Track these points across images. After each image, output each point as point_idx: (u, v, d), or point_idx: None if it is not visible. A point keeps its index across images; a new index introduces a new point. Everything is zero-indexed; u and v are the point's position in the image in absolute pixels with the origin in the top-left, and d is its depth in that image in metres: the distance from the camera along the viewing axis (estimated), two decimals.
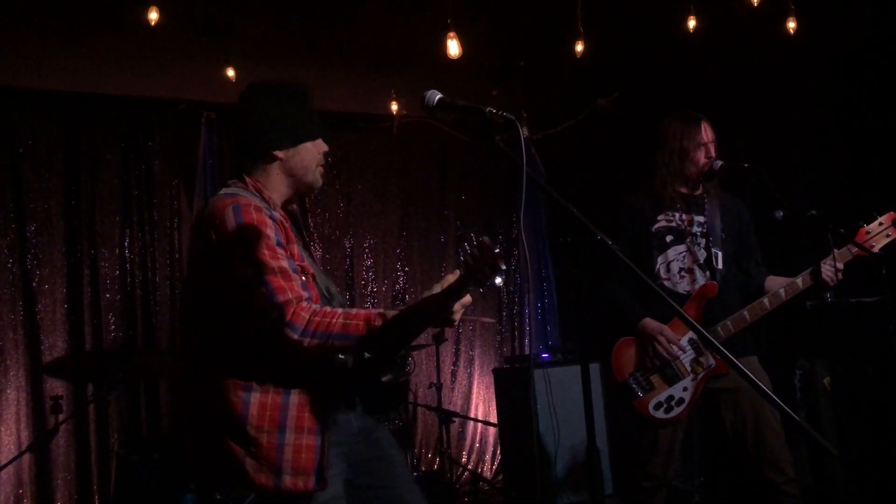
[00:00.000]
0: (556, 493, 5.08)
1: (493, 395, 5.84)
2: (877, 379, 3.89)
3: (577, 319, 1.87)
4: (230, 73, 4.88)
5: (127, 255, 5.14)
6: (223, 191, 2.10)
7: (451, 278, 1.99)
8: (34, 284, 4.86)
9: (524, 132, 6.04)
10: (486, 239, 1.81)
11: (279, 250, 1.96)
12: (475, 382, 6.27)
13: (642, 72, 5.38)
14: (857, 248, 2.93)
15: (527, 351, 6.32)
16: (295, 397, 1.98)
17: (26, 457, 4.59)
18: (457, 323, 2.06)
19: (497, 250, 1.78)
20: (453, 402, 6.10)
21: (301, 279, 1.97)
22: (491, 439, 6.17)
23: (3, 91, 4.82)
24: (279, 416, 1.95)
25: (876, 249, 2.95)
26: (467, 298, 1.98)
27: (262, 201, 2.07)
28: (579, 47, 4.51)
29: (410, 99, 5.47)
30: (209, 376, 1.98)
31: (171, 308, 5.16)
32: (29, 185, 4.92)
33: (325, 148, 2.21)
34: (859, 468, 3.85)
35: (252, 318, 1.94)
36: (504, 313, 6.50)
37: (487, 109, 1.74)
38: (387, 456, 2.21)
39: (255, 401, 1.94)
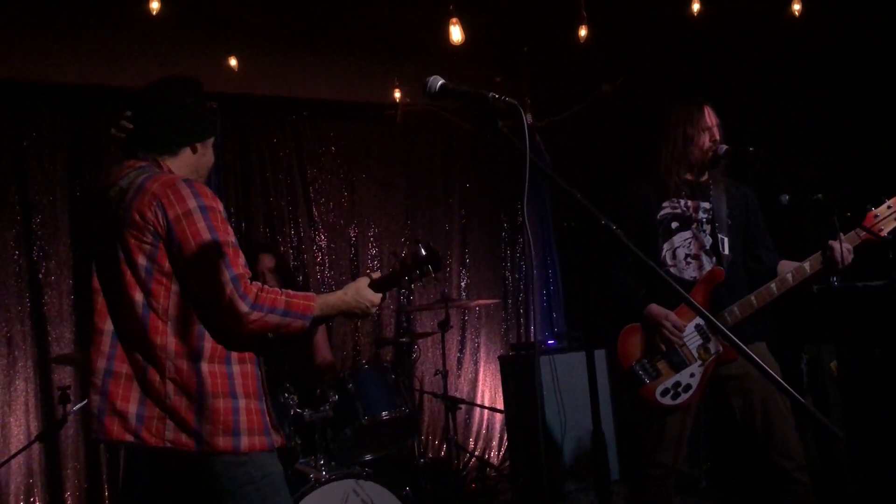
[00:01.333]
0: (562, 479, 5.10)
1: (500, 382, 5.85)
2: (884, 363, 3.88)
3: (582, 305, 1.87)
4: (233, 62, 4.87)
5: None
6: (149, 170, 2.13)
7: (373, 275, 2.27)
8: (40, 276, 4.88)
9: (528, 118, 6.02)
10: (432, 245, 2.21)
11: (228, 226, 2.07)
12: (481, 369, 6.28)
13: (646, 57, 5.35)
14: (864, 233, 2.91)
15: (532, 338, 6.32)
16: (236, 367, 2.07)
17: (36, 447, 4.62)
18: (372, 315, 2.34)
19: (440, 254, 2.17)
20: (459, 390, 6.11)
21: (242, 256, 2.08)
22: (497, 426, 6.18)
23: (7, 84, 4.82)
24: (228, 384, 2.04)
25: (884, 233, 2.92)
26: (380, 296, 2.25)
27: None
28: (583, 32, 4.48)
29: (413, 87, 5.45)
30: (159, 348, 2.01)
31: None
32: (34, 178, 4.92)
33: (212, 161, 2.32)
34: (866, 452, 3.85)
35: (207, 289, 2.01)
36: (509, 301, 6.50)
37: (490, 95, 1.73)
38: None
39: (206, 369, 2.02)
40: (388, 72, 5.52)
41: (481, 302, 5.50)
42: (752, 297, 2.94)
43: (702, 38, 4.86)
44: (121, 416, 2.01)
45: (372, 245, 6.02)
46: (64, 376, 4.81)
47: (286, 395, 3.57)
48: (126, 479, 3.97)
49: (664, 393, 2.96)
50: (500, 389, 5.84)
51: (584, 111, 5.90)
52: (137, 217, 2.01)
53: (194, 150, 2.23)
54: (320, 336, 4.30)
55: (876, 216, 2.95)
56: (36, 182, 4.92)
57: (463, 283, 6.33)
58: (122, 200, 2.06)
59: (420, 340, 4.90)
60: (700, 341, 2.98)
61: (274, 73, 5.44)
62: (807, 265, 2.93)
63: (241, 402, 2.05)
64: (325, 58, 5.51)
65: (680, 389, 2.96)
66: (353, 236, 5.97)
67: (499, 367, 5.85)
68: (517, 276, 6.57)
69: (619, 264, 3.10)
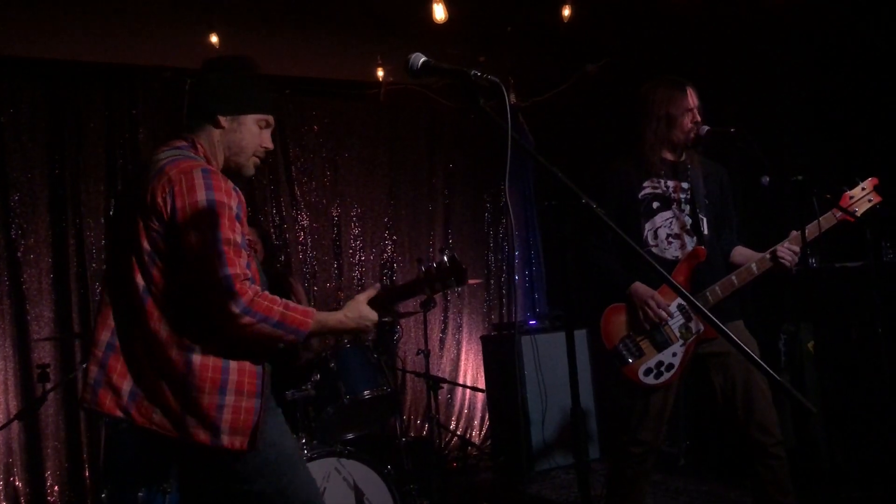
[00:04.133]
0: (542, 457, 5.15)
1: (482, 362, 5.88)
2: (860, 343, 3.93)
3: (563, 283, 1.88)
4: (214, 39, 4.81)
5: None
6: (178, 152, 2.09)
7: (371, 293, 2.21)
8: (19, 254, 4.84)
9: (511, 98, 6.02)
10: (456, 256, 2.10)
11: (237, 224, 2.00)
12: (463, 349, 6.30)
13: (630, 37, 5.35)
14: (841, 213, 2.94)
15: (514, 318, 6.35)
16: (233, 363, 2.03)
17: (16, 426, 4.61)
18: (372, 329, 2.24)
19: (465, 267, 2.03)
20: (441, 369, 6.14)
21: (246, 258, 2.02)
22: (479, 405, 6.22)
23: None
24: (220, 378, 2.00)
25: (858, 214, 2.96)
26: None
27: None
28: (566, 12, 4.47)
29: (397, 66, 5.42)
30: (152, 334, 1.99)
31: None
32: (11, 154, 4.87)
33: (268, 143, 2.25)
34: (841, 430, 3.91)
35: (200, 284, 1.97)
36: (492, 281, 6.52)
37: (472, 72, 1.71)
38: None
39: (197, 361, 1.99)
40: (371, 50, 5.48)
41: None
42: (734, 277, 2.97)
43: (686, 18, 4.85)
44: (115, 390, 2.00)
45: (354, 225, 6.01)
46: (43, 355, 4.78)
47: None
48: (107, 458, 3.96)
49: (647, 372, 2.98)
50: (482, 369, 5.87)
51: (567, 91, 5.89)
52: (149, 199, 1.98)
53: (216, 125, 2.17)
54: None
55: (851, 197, 2.98)
56: (14, 159, 4.87)
57: None
58: (143, 181, 2.03)
59: (403, 320, 4.91)
60: (682, 321, 3.00)
61: (256, 50, 5.34)
62: (754, 266, 2.97)
63: (230, 399, 2.00)
64: (308, 35, 5.46)
65: (662, 369, 2.98)
66: (336, 216, 5.95)
67: (481, 347, 5.88)
68: (500, 256, 6.59)
69: (597, 244, 3.11)
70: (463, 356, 6.30)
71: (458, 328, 6.32)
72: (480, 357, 5.94)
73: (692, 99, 3.06)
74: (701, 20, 4.91)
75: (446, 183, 6.42)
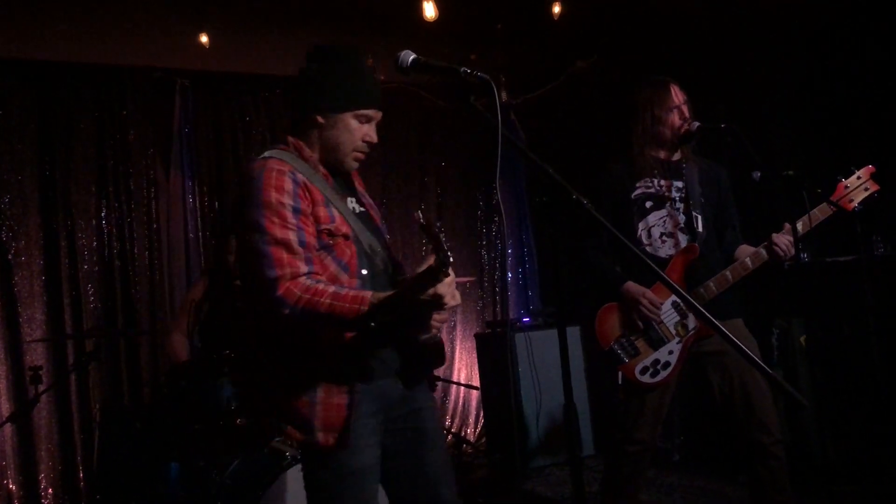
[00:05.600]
0: (537, 454, 5.15)
1: (476, 360, 5.88)
2: (852, 337, 3.94)
3: (554, 280, 1.87)
4: (204, 39, 4.81)
5: (104, 225, 5.09)
6: (266, 153, 2.09)
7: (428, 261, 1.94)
8: (10, 257, 4.81)
9: (503, 96, 6.01)
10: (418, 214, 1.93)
11: (291, 219, 1.95)
12: (458, 347, 6.30)
13: (621, 33, 5.35)
14: (832, 206, 2.93)
15: (507, 315, 6.35)
16: (323, 358, 2.01)
17: (8, 429, 4.58)
18: (454, 302, 2.04)
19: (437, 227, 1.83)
20: None
21: (305, 253, 1.95)
22: (474, 403, 6.22)
23: None
24: (309, 374, 2.01)
25: (854, 203, 2.93)
26: (451, 277, 1.95)
27: (299, 160, 2.07)
28: (556, 9, 4.47)
29: (388, 64, 5.40)
30: (250, 334, 2.07)
31: (149, 278, 5.14)
32: (2, 156, 4.84)
33: (371, 138, 2.15)
34: (833, 424, 3.92)
35: (255, 286, 1.97)
36: (485, 279, 6.52)
37: (462, 69, 1.72)
38: (423, 429, 2.18)
39: (286, 358, 2.02)
40: (362, 49, 5.47)
41: (457, 280, 5.48)
42: (728, 272, 2.96)
43: (675, 13, 4.86)
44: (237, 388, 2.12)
45: None
46: (35, 357, 4.76)
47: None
48: (100, 460, 3.95)
49: (643, 371, 2.97)
50: (476, 367, 5.87)
51: (558, 88, 5.90)
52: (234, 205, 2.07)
53: (311, 123, 2.11)
54: None
55: (846, 187, 2.95)
56: (4, 160, 4.84)
57: None
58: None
59: None
60: (678, 318, 2.99)
61: (246, 49, 5.37)
62: (748, 261, 2.95)
63: (321, 395, 1.98)
64: (298, 34, 5.44)
65: (659, 367, 2.97)
66: None
67: (475, 345, 5.88)
68: (493, 254, 6.59)
69: (593, 243, 3.10)
70: (457, 354, 6.30)
71: (452, 326, 6.31)
72: (474, 355, 5.94)
73: (677, 96, 3.05)
74: (691, 16, 4.91)
75: (438, 181, 6.42)
